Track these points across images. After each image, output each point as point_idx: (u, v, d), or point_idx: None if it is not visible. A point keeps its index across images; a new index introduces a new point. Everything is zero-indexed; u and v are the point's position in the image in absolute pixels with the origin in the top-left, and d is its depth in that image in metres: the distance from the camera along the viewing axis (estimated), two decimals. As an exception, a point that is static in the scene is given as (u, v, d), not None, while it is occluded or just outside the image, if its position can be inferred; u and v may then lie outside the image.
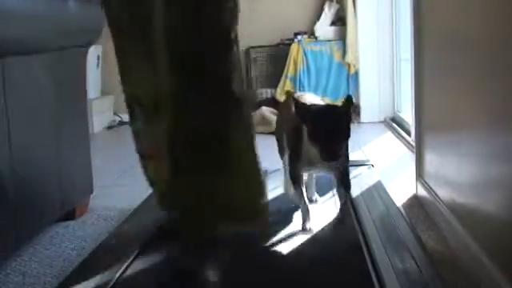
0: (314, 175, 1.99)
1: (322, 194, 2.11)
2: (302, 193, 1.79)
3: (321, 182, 2.13)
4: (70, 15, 1.97)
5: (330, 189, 2.18)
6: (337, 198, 1.84)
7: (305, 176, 1.84)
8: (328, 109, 1.68)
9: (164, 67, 1.44)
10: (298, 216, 1.90)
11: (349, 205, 1.83)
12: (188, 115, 1.48)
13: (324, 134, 1.56)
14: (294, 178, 1.79)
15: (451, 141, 1.82)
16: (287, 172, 1.95)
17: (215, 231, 1.60)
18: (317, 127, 1.57)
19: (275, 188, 2.27)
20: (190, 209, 1.58)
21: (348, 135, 1.59)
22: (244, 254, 1.68)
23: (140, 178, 1.57)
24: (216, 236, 1.65)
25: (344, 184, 1.75)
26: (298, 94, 1.91)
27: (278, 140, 2.04)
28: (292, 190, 1.88)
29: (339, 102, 1.66)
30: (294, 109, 1.64)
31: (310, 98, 1.85)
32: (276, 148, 2.06)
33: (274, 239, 1.77)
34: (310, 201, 1.93)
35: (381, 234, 1.73)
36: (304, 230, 1.76)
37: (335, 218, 1.81)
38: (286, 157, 1.97)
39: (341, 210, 1.78)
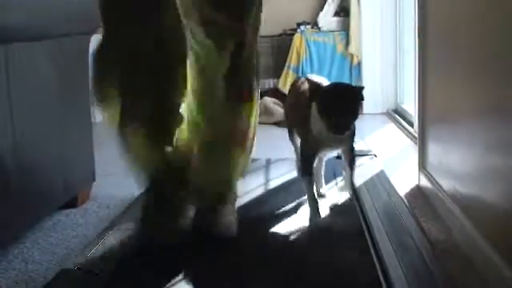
0: (324, 161, 1.99)
1: (325, 181, 2.12)
2: (311, 188, 1.78)
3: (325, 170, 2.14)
4: (73, 2, 1.96)
5: (334, 177, 2.19)
6: (341, 183, 1.87)
7: (315, 162, 1.85)
8: (339, 85, 1.71)
9: None
10: (304, 203, 1.90)
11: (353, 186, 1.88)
12: None
13: (334, 107, 1.58)
14: (304, 168, 1.78)
15: (454, 132, 1.82)
16: (298, 155, 1.96)
17: None
18: (327, 101, 1.60)
19: (279, 176, 2.27)
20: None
21: (357, 112, 1.61)
22: (249, 239, 1.69)
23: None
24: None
25: (349, 162, 1.80)
26: (307, 77, 1.92)
27: (287, 124, 2.07)
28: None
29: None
30: (306, 87, 1.68)
31: (320, 80, 1.85)
32: (280, 138, 2.07)
33: (279, 225, 1.77)
34: (319, 195, 1.92)
35: (384, 223, 1.73)
36: (312, 225, 1.76)
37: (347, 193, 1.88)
38: (296, 140, 1.99)
39: (347, 185, 1.85)
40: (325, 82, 1.83)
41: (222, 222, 1.67)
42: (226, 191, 1.73)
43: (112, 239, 1.70)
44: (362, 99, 1.62)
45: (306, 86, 1.74)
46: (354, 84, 1.70)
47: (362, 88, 1.64)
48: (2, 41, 1.60)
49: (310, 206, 1.79)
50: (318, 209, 1.78)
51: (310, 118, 1.68)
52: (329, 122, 1.58)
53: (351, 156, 1.80)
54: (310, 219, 1.77)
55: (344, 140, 1.71)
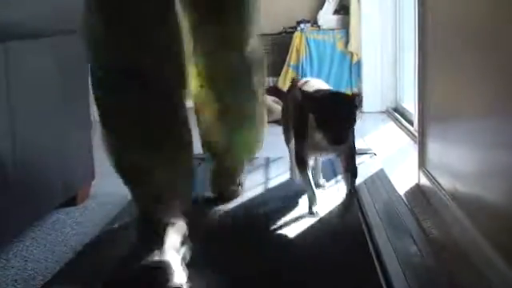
0: (321, 159, 2.00)
1: (326, 179, 2.12)
2: (308, 178, 1.80)
3: (325, 167, 2.14)
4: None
5: (334, 175, 2.19)
6: (341, 183, 1.84)
7: (311, 161, 1.83)
8: (334, 95, 1.69)
9: None
10: (303, 201, 1.90)
11: (354, 192, 1.80)
12: None
13: (330, 119, 1.57)
14: (300, 163, 1.79)
15: (454, 130, 1.82)
16: (293, 158, 1.95)
17: None
18: (323, 112, 1.58)
19: (279, 175, 2.27)
20: None
21: (353, 121, 1.59)
22: (248, 238, 1.69)
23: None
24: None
25: (350, 171, 1.74)
26: (303, 80, 1.91)
27: (284, 126, 2.04)
28: (298, 175, 1.88)
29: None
30: (300, 96, 1.65)
31: (316, 83, 1.85)
32: (279, 136, 2.07)
33: (279, 224, 1.77)
34: (317, 185, 1.95)
35: (383, 221, 1.73)
36: (311, 213, 1.78)
37: (340, 205, 1.81)
38: (293, 143, 1.98)
39: (346, 196, 1.77)
40: (323, 86, 1.83)
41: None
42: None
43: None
44: (358, 107, 1.61)
45: (303, 93, 1.72)
46: (350, 91, 1.68)
47: (358, 95, 1.64)
48: (1, 39, 1.60)
49: (307, 192, 1.82)
50: (315, 199, 1.80)
51: (308, 127, 1.68)
52: (326, 133, 1.57)
53: (350, 163, 1.72)
54: (309, 211, 1.80)
55: (340, 149, 1.69)
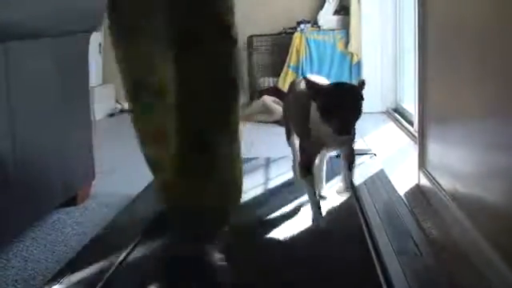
0: (324, 162, 1.97)
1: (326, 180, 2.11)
2: (312, 185, 1.74)
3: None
4: (73, 0, 1.95)
5: (334, 176, 2.18)
6: (340, 181, 1.85)
7: (315, 162, 1.80)
8: (340, 85, 1.65)
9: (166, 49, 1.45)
10: (302, 202, 1.89)
11: (353, 183, 1.86)
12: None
13: (336, 108, 1.53)
14: (304, 167, 1.74)
15: (454, 131, 1.82)
16: (295, 157, 1.94)
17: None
18: (329, 101, 1.54)
19: (279, 175, 2.27)
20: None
21: (359, 112, 1.55)
22: (249, 238, 1.68)
23: (141, 164, 1.56)
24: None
25: (349, 161, 1.76)
26: (307, 76, 1.90)
27: (285, 125, 2.04)
28: (299, 178, 1.84)
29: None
30: (305, 88, 1.62)
31: (318, 80, 1.84)
32: (279, 136, 2.06)
33: (279, 224, 1.77)
34: (320, 197, 1.89)
35: (384, 221, 1.73)
36: (316, 226, 1.72)
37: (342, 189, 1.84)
38: (294, 142, 1.97)
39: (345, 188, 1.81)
40: (324, 81, 1.82)
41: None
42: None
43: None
44: (362, 98, 1.59)
45: (304, 86, 1.70)
46: (354, 82, 1.64)
47: (363, 84, 1.59)
48: (1, 39, 1.60)
49: (311, 206, 1.76)
50: (320, 208, 1.75)
51: (310, 119, 1.66)
52: (332, 122, 1.53)
53: (351, 157, 1.76)
54: (313, 220, 1.75)
55: (345, 141, 1.69)
